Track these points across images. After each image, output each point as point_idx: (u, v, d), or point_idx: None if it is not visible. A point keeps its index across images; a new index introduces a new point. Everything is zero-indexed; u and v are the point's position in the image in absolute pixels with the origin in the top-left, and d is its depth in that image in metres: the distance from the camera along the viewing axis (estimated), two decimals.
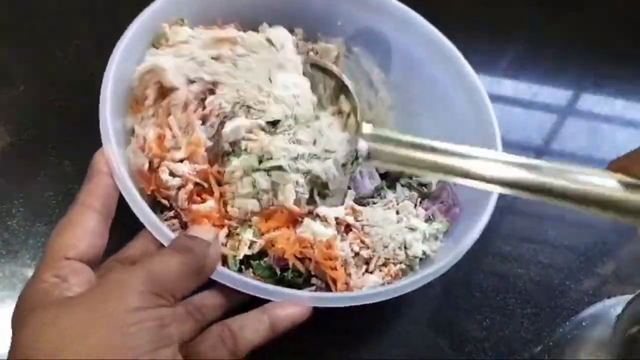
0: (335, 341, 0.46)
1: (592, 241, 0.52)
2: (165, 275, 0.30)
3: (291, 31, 0.51)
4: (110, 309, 0.27)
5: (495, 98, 0.60)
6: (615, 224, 0.53)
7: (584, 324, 0.40)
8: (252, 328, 0.35)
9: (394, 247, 0.42)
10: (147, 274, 0.29)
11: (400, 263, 0.42)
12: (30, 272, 0.44)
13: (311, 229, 0.41)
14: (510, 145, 0.57)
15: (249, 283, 0.36)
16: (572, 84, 0.62)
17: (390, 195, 0.46)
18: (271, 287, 0.37)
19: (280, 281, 0.41)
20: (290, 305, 0.36)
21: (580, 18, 0.66)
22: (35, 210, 0.51)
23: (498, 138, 0.44)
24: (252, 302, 0.37)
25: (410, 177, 0.48)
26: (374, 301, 0.37)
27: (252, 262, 0.41)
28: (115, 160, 0.36)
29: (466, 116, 0.47)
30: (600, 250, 0.51)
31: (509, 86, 0.62)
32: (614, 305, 0.39)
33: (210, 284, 0.36)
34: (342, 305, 0.36)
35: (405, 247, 0.43)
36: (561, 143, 0.58)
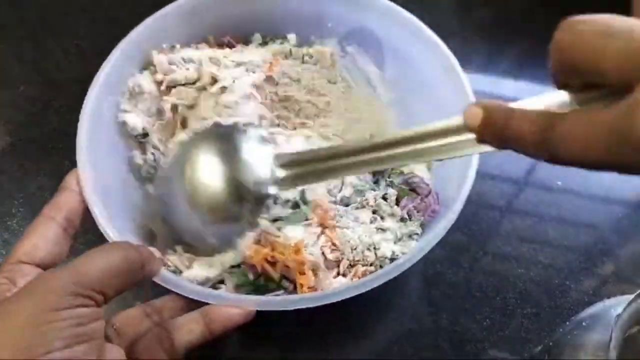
0: (335, 340, 0.46)
1: (592, 241, 0.52)
2: (90, 272, 0.30)
3: (284, 38, 0.52)
4: (26, 311, 0.28)
5: (495, 98, 0.60)
6: (615, 223, 0.53)
7: (584, 324, 0.40)
8: (188, 329, 0.36)
9: (363, 249, 0.42)
10: (71, 274, 0.30)
11: (371, 265, 0.42)
12: None
13: (283, 231, 0.41)
14: None
15: (183, 286, 0.37)
16: None
17: (369, 194, 0.45)
18: (212, 291, 0.38)
19: (258, 287, 0.41)
20: (228, 307, 0.36)
21: None
22: (35, 210, 0.50)
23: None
24: None
25: (403, 172, 0.47)
26: (319, 304, 0.36)
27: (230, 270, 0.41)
28: (85, 180, 0.38)
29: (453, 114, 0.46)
30: (600, 250, 0.51)
31: (509, 86, 0.62)
32: (614, 305, 0.39)
33: None
34: (285, 309, 0.36)
35: (375, 248, 0.42)
36: None
